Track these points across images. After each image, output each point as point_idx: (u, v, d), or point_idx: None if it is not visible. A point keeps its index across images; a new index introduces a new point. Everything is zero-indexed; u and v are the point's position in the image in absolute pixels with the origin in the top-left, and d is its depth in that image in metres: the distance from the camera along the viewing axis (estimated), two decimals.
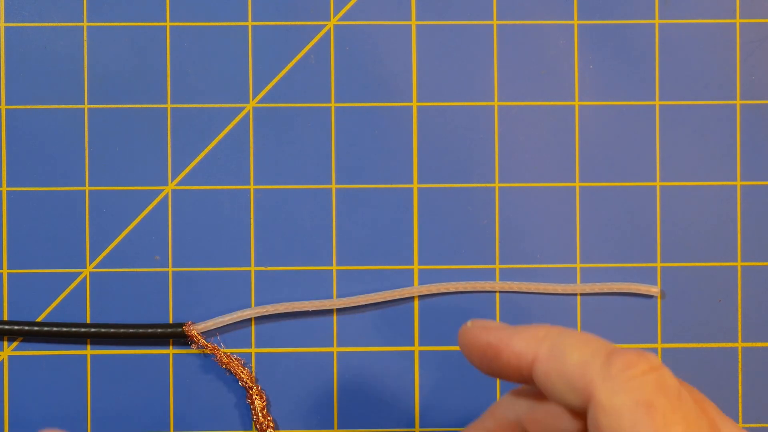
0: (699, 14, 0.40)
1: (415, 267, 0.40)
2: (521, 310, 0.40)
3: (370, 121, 0.40)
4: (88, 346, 0.40)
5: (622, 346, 0.40)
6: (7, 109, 0.40)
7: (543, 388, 0.31)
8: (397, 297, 0.40)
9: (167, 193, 0.40)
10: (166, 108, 0.40)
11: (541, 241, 0.40)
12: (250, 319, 0.40)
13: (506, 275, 0.40)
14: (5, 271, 0.40)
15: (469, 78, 0.40)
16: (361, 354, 0.40)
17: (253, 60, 0.40)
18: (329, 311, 0.40)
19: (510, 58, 0.40)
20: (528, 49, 0.40)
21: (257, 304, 0.40)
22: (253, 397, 0.39)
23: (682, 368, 0.40)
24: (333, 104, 0.40)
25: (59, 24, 0.40)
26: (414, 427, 0.40)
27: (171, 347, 0.40)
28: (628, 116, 0.40)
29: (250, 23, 0.40)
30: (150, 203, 0.40)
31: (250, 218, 0.40)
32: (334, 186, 0.40)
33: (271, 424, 0.40)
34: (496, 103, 0.40)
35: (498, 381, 0.40)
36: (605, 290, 0.40)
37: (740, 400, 0.40)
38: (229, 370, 0.40)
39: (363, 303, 0.40)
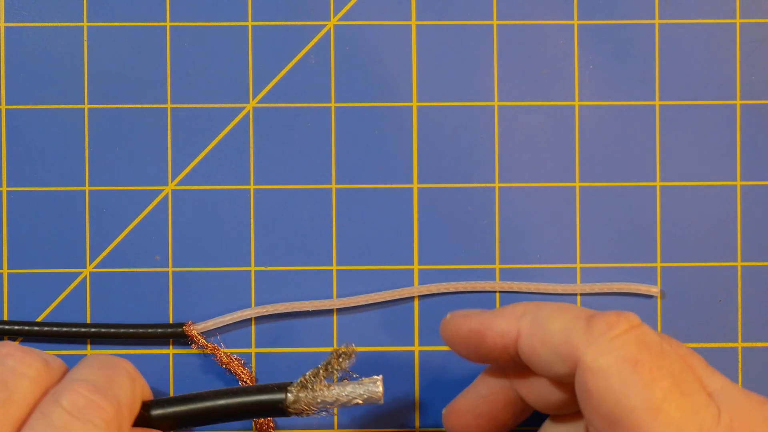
0: (699, 14, 0.40)
1: (415, 267, 0.40)
2: None
3: (370, 121, 0.40)
4: (88, 346, 0.40)
5: None
6: (7, 109, 0.40)
7: (529, 362, 0.31)
8: (397, 297, 0.40)
9: (167, 193, 0.40)
10: (166, 108, 0.40)
11: (541, 241, 0.40)
12: (250, 319, 0.40)
13: (506, 275, 0.40)
14: (5, 271, 0.40)
15: (469, 78, 0.40)
16: (361, 354, 0.40)
17: (253, 60, 0.40)
18: (329, 311, 0.40)
19: (510, 58, 0.40)
20: (528, 49, 0.40)
21: (257, 304, 0.40)
22: None
23: None
24: (333, 104, 0.40)
25: (59, 24, 0.40)
26: (414, 427, 0.40)
27: (171, 347, 0.40)
28: (628, 116, 0.40)
29: (250, 23, 0.40)
30: (150, 203, 0.40)
31: (250, 218, 0.40)
32: (334, 186, 0.40)
33: (271, 424, 0.40)
34: (496, 103, 0.40)
35: None
36: (605, 290, 0.40)
37: None
38: (229, 370, 0.40)
39: (363, 303, 0.40)
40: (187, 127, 0.40)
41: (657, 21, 0.40)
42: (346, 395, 0.34)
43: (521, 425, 0.37)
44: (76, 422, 0.30)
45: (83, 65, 0.40)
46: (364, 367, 0.40)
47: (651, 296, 0.40)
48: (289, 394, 0.34)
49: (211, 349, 0.39)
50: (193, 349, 0.40)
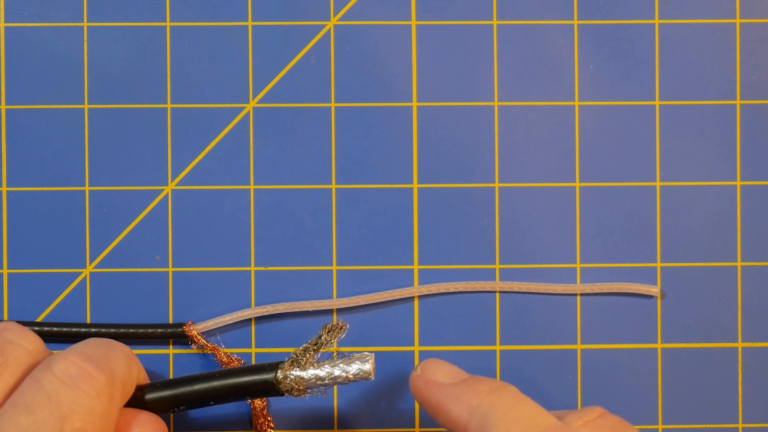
0: (699, 14, 0.40)
1: (415, 267, 0.40)
2: (521, 310, 0.40)
3: (370, 121, 0.40)
4: None
5: (622, 346, 0.40)
6: (7, 109, 0.40)
7: None
8: (397, 297, 0.40)
9: (167, 193, 0.40)
10: (166, 108, 0.40)
11: (541, 241, 0.40)
12: (250, 319, 0.40)
13: (506, 275, 0.40)
14: (5, 271, 0.40)
15: (469, 78, 0.40)
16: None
17: (253, 60, 0.40)
18: (329, 311, 0.40)
19: (510, 58, 0.40)
20: (528, 49, 0.40)
21: (257, 304, 0.40)
22: None
23: (682, 368, 0.40)
24: (333, 104, 0.40)
25: (59, 24, 0.40)
26: (414, 427, 0.40)
27: (171, 347, 0.40)
28: (628, 116, 0.40)
29: (250, 23, 0.40)
30: (150, 203, 0.40)
31: (250, 218, 0.40)
32: (334, 186, 0.40)
33: (271, 424, 0.40)
34: (496, 103, 0.40)
35: None
36: (605, 290, 0.40)
37: (740, 400, 0.40)
38: None
39: (363, 303, 0.40)
40: (187, 127, 0.40)
41: (657, 21, 0.40)
42: (336, 371, 0.34)
43: None
44: (66, 389, 0.30)
45: (83, 65, 0.40)
46: None
47: (651, 296, 0.40)
48: (279, 371, 0.34)
49: (211, 349, 0.39)
50: (193, 349, 0.40)
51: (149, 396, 0.35)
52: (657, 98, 0.40)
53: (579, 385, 0.40)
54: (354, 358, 0.35)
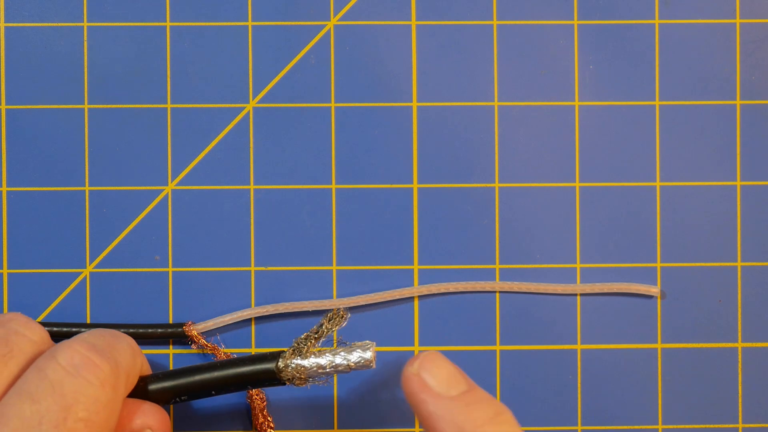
0: (699, 14, 0.40)
1: (415, 267, 0.40)
2: (521, 310, 0.40)
3: (370, 121, 0.40)
4: None
5: (622, 346, 0.40)
6: (7, 109, 0.40)
7: None
8: (397, 297, 0.40)
9: (167, 193, 0.40)
10: (166, 108, 0.40)
11: (541, 241, 0.40)
12: (250, 319, 0.40)
13: (506, 275, 0.40)
14: (5, 271, 0.40)
15: (469, 78, 0.40)
16: None
17: (253, 60, 0.40)
18: (329, 311, 0.40)
19: (510, 58, 0.40)
20: (528, 49, 0.40)
21: (257, 304, 0.40)
22: (253, 397, 0.39)
23: (682, 368, 0.40)
24: (333, 104, 0.40)
25: (59, 24, 0.40)
26: (414, 427, 0.40)
27: (171, 347, 0.40)
28: (628, 116, 0.40)
29: (250, 23, 0.40)
30: (150, 203, 0.40)
31: (250, 218, 0.40)
32: (334, 186, 0.40)
33: (271, 425, 0.40)
34: (496, 103, 0.40)
35: (498, 383, 0.40)
36: (605, 290, 0.40)
37: (740, 400, 0.40)
38: None
39: (363, 303, 0.40)
40: (187, 127, 0.40)
41: (657, 21, 0.40)
42: (338, 360, 0.34)
43: (527, 426, 0.37)
44: (71, 378, 0.30)
45: (83, 65, 0.40)
46: None
47: (651, 296, 0.40)
48: (280, 360, 0.34)
49: (211, 349, 0.39)
50: (193, 349, 0.40)
51: (152, 386, 0.35)
52: (657, 98, 0.40)
53: (579, 385, 0.40)
54: (355, 347, 0.35)
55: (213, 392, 0.35)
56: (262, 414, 0.39)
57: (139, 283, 0.40)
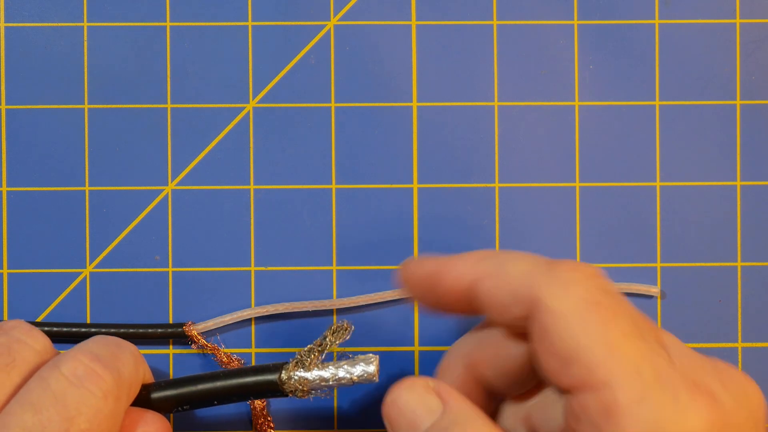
0: (699, 14, 0.40)
1: None
2: None
3: (370, 121, 0.40)
4: None
5: None
6: (7, 109, 0.40)
7: (486, 305, 0.30)
8: (397, 297, 0.40)
9: (167, 193, 0.40)
10: (166, 108, 0.40)
11: (541, 241, 0.40)
12: (250, 319, 0.40)
13: None
14: (5, 271, 0.40)
15: (469, 78, 0.40)
16: (361, 354, 0.40)
17: (253, 60, 0.40)
18: (329, 311, 0.40)
19: (510, 58, 0.40)
20: (528, 49, 0.40)
21: (257, 304, 0.40)
22: None
23: None
24: (333, 104, 0.40)
25: (59, 24, 0.40)
26: None
27: (171, 347, 0.40)
28: (628, 116, 0.40)
29: (250, 23, 0.40)
30: (150, 203, 0.40)
31: (250, 218, 0.40)
32: (334, 186, 0.40)
33: (271, 425, 0.40)
34: (496, 103, 0.40)
35: None
36: None
37: None
38: None
39: (363, 303, 0.40)
40: (187, 127, 0.40)
41: (657, 21, 0.40)
42: (341, 373, 0.34)
43: None
44: (74, 389, 0.30)
45: (83, 65, 0.40)
46: None
47: (651, 296, 0.40)
48: (283, 372, 0.34)
49: (211, 349, 0.39)
50: (193, 349, 0.40)
51: (154, 395, 0.35)
52: (657, 98, 0.40)
53: None
54: (358, 360, 0.35)
55: (215, 402, 0.35)
56: (262, 414, 0.39)
57: (139, 283, 0.40)
